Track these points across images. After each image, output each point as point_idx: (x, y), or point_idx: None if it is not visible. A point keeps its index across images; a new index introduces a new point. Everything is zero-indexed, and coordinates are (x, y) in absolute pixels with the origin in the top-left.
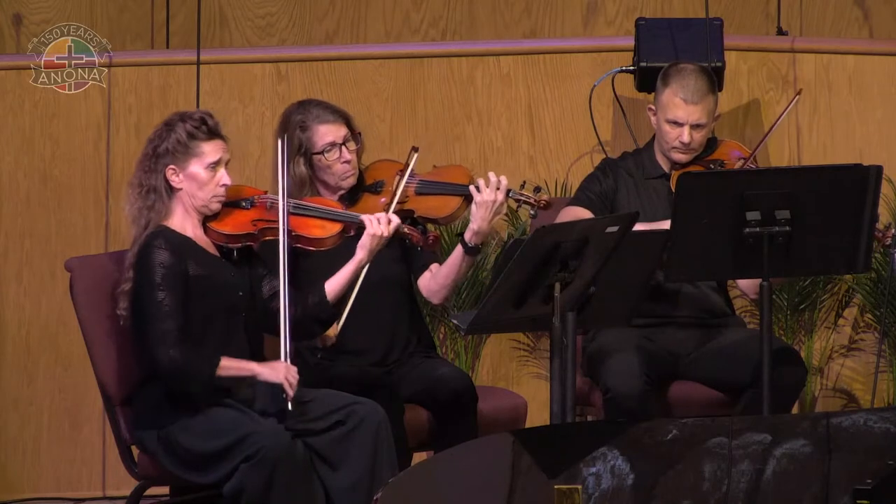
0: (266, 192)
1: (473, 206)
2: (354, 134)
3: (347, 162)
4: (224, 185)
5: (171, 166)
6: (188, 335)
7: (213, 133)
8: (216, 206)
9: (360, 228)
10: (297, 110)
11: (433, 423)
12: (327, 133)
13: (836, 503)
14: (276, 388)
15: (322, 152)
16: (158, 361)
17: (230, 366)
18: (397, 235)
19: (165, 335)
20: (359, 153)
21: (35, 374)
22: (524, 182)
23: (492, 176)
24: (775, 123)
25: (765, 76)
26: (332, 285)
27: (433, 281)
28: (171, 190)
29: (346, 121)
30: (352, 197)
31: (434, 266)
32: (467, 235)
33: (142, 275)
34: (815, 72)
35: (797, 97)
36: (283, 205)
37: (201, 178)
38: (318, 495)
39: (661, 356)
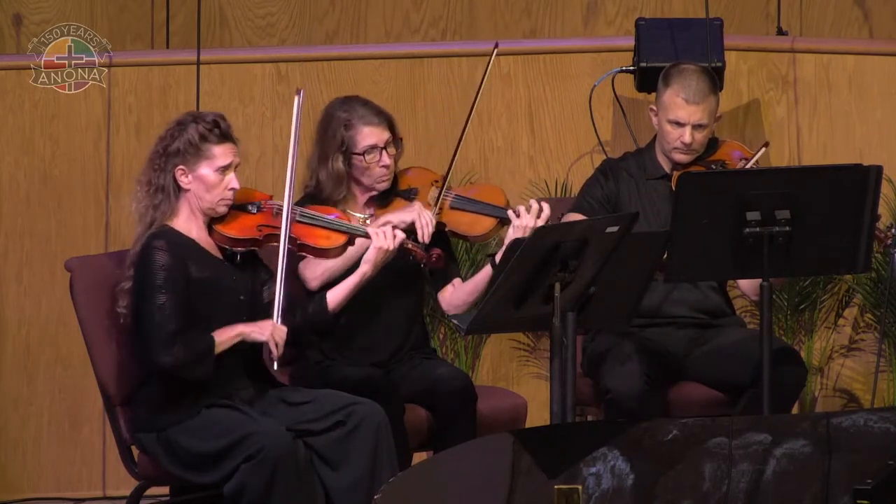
0: (272, 198)
1: (511, 230)
2: (396, 139)
3: (386, 166)
4: (232, 188)
5: (181, 167)
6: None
7: (225, 136)
8: (223, 210)
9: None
10: (342, 106)
11: (433, 423)
12: (370, 135)
13: (836, 503)
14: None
15: (363, 153)
16: (161, 363)
17: (222, 341)
18: (401, 251)
19: (167, 338)
20: (396, 158)
21: (35, 374)
22: (562, 214)
23: (534, 203)
24: (753, 159)
25: (765, 76)
26: (334, 296)
27: (455, 296)
28: (179, 190)
29: (390, 124)
30: (383, 200)
31: (457, 281)
32: (498, 258)
33: (142, 276)
34: (815, 72)
35: (763, 149)
36: (287, 209)
37: (210, 180)
38: (318, 495)
39: (661, 356)
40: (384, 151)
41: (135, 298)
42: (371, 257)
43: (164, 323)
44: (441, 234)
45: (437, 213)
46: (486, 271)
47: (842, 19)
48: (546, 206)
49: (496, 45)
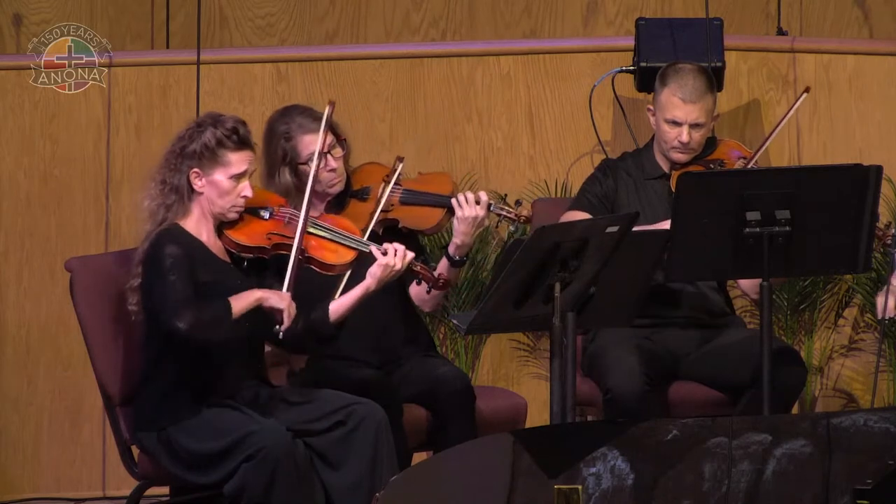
0: (286, 204)
1: (455, 222)
2: (339, 140)
3: (333, 170)
4: (245, 196)
5: (196, 169)
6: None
7: (243, 143)
8: (233, 216)
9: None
10: (281, 119)
11: (433, 424)
12: (312, 142)
13: (835, 503)
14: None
15: (307, 162)
16: (179, 330)
17: (239, 304)
18: (409, 272)
19: (180, 304)
20: (345, 158)
21: (35, 374)
22: (505, 195)
23: (469, 193)
24: (783, 119)
25: (765, 76)
26: (336, 307)
27: (423, 289)
28: (192, 192)
29: (331, 127)
30: (339, 203)
31: None
32: (451, 249)
33: (153, 267)
34: (815, 72)
35: (804, 94)
36: (303, 221)
37: (223, 186)
38: (318, 495)
39: (661, 356)
40: (329, 155)
41: (146, 287)
42: (377, 273)
43: (175, 294)
44: (399, 231)
45: (388, 211)
46: (444, 264)
47: (842, 19)
48: (483, 194)
49: (400, 159)
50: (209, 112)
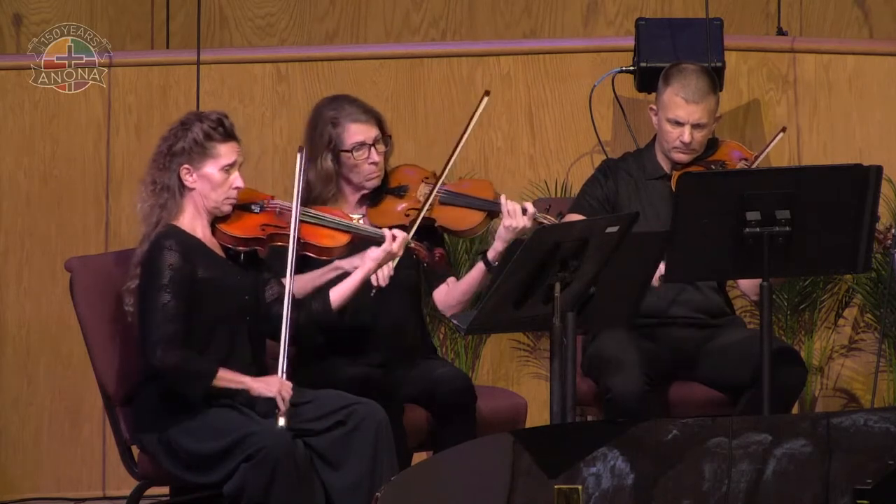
0: (274, 197)
1: (502, 229)
2: (385, 136)
3: (375, 163)
4: (237, 187)
5: (186, 166)
6: (189, 340)
7: (229, 135)
8: (227, 208)
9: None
10: (330, 105)
11: (433, 424)
12: (358, 132)
13: (835, 503)
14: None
15: (350, 150)
16: (157, 363)
17: (226, 377)
18: (405, 250)
19: (166, 338)
20: (387, 155)
21: (35, 374)
22: (549, 206)
23: (517, 204)
24: (762, 153)
25: (765, 76)
26: (337, 294)
27: (450, 295)
28: (184, 189)
29: (378, 121)
30: (374, 198)
31: (451, 280)
32: (491, 255)
33: (149, 274)
34: (815, 72)
35: (780, 134)
36: (296, 214)
37: (215, 179)
38: (318, 495)
39: (661, 356)
40: (373, 148)
41: (140, 295)
42: (378, 256)
43: (164, 323)
44: (433, 230)
45: (428, 210)
46: (479, 269)
47: (842, 19)
48: (529, 205)
49: (487, 92)
50: (190, 111)
